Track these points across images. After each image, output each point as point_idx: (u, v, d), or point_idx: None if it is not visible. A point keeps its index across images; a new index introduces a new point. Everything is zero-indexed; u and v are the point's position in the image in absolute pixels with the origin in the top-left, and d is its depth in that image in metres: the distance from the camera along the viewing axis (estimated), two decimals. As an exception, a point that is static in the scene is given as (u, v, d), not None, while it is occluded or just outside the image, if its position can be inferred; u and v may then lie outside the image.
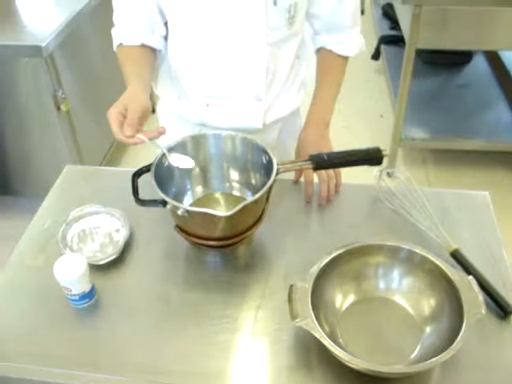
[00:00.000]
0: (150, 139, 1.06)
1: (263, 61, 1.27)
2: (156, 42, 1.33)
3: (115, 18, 1.34)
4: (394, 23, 3.57)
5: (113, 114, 1.06)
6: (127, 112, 1.07)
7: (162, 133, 1.07)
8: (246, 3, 1.19)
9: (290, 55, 1.34)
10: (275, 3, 1.19)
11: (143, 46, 1.31)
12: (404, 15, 2.64)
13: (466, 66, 3.45)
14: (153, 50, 1.34)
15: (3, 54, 2.09)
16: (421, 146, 2.95)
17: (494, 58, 3.43)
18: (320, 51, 1.44)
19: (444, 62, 3.39)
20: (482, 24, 2.40)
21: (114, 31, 1.34)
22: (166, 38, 1.35)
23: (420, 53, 3.17)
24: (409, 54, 2.51)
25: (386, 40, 3.58)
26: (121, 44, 1.32)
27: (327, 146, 1.36)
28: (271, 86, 1.34)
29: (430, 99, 3.14)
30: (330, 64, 1.43)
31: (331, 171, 1.29)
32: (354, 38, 1.40)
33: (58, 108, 2.19)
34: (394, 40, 3.45)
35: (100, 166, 2.68)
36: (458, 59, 3.43)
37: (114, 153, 2.87)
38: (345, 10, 1.33)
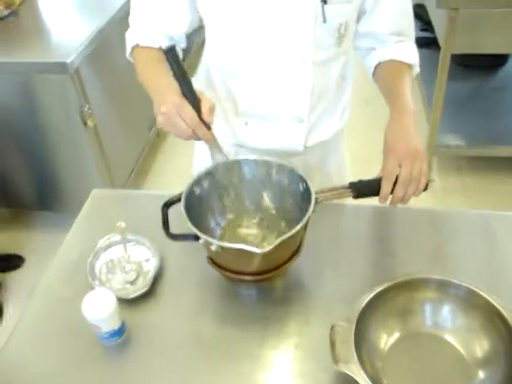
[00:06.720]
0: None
1: (308, 81, 1.20)
2: None
3: (132, 20, 1.23)
4: (426, 24, 3.46)
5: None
6: (184, 113, 1.01)
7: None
8: (294, 19, 1.12)
9: (335, 75, 1.26)
10: (324, 21, 1.12)
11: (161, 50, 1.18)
12: (438, 19, 2.55)
13: (501, 68, 3.33)
14: None
15: (29, 71, 2.08)
16: (456, 153, 2.85)
17: (530, 60, 3.31)
18: (379, 67, 1.27)
19: (478, 64, 3.28)
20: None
21: (128, 34, 1.24)
22: (185, 51, 1.26)
23: (453, 55, 3.07)
24: (444, 59, 2.42)
25: (417, 42, 3.46)
26: (137, 45, 1.21)
27: (413, 140, 1.08)
28: (315, 107, 1.26)
29: (463, 104, 3.03)
30: (394, 72, 1.24)
31: (416, 171, 1.04)
32: (412, 46, 1.28)
33: (85, 123, 2.17)
34: (425, 42, 3.35)
35: (128, 178, 2.68)
36: (492, 61, 3.31)
37: (142, 166, 2.87)
38: (403, 19, 1.25)
